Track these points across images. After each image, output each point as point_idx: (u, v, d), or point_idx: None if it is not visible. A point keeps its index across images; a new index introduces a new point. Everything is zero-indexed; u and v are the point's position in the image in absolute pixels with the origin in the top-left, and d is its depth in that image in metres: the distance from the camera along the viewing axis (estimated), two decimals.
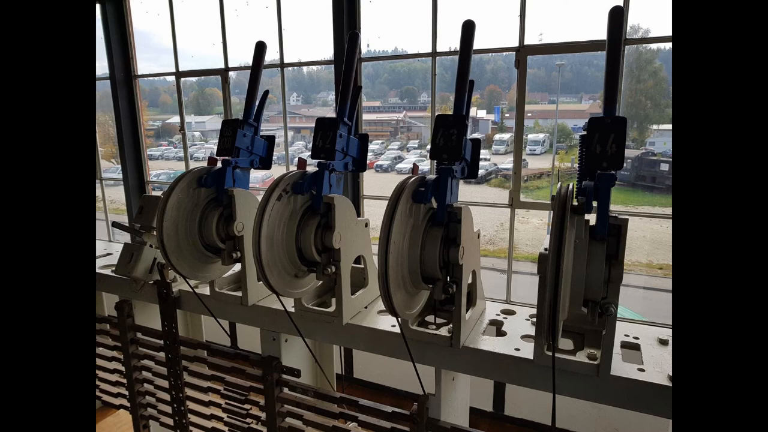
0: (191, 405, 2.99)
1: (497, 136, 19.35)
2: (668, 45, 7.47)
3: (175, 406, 3.01)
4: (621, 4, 3.49)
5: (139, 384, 3.19)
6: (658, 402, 1.78)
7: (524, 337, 2.15)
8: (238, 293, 2.56)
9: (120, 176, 6.21)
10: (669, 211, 6.53)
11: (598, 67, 17.84)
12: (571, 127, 18.35)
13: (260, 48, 2.57)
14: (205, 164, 2.54)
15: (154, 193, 5.95)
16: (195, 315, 3.45)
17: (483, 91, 20.99)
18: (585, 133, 1.65)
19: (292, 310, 2.40)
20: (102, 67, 5.91)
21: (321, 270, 2.16)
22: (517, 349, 2.02)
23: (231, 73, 5.32)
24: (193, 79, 11.11)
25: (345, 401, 2.40)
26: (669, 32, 3.51)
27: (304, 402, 2.51)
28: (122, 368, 3.22)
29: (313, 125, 2.19)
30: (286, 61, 5.02)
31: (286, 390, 2.57)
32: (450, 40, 5.00)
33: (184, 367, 2.91)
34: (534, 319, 2.31)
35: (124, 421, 4.44)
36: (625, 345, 2.08)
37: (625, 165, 2.02)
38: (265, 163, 2.67)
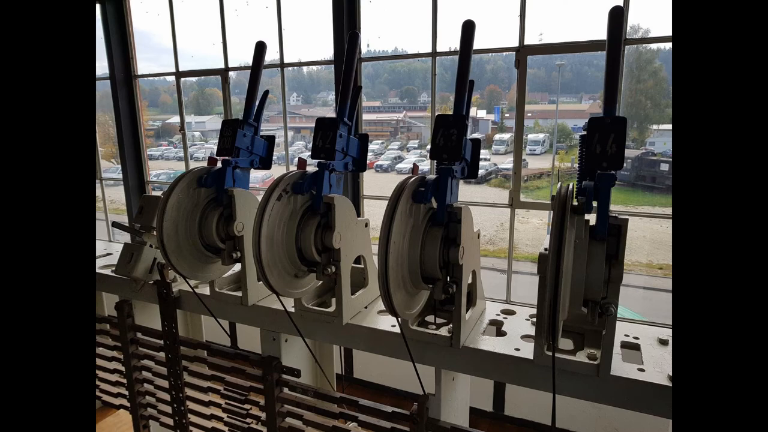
0: (191, 405, 2.99)
1: (497, 136, 19.35)
2: (668, 45, 7.47)
3: (175, 406, 3.01)
4: (621, 4, 3.49)
5: (139, 384, 3.19)
6: (658, 402, 1.78)
7: (524, 337, 2.15)
8: (238, 293, 2.56)
9: (120, 176, 6.21)
10: (669, 211, 6.53)
11: (598, 67, 17.84)
12: (571, 127, 18.34)
13: (260, 48, 2.57)
14: (205, 164, 2.55)
15: (154, 193, 5.95)
16: (195, 315, 3.45)
17: (483, 91, 20.98)
18: (585, 133, 1.65)
19: (292, 310, 2.40)
20: (102, 67, 5.91)
21: (321, 270, 2.16)
22: (517, 349, 2.02)
23: (231, 73, 5.32)
24: (193, 79, 11.11)
25: (345, 401, 2.40)
26: (669, 32, 3.51)
27: (304, 402, 2.51)
28: (122, 368, 3.22)
29: (313, 125, 2.19)
30: (286, 61, 5.02)
31: (286, 390, 2.57)
32: (450, 40, 5.01)
33: (184, 367, 2.91)
34: (534, 319, 2.31)
35: (124, 421, 4.44)
36: (625, 345, 2.08)
37: (625, 165, 2.02)
38: (265, 163, 2.67)
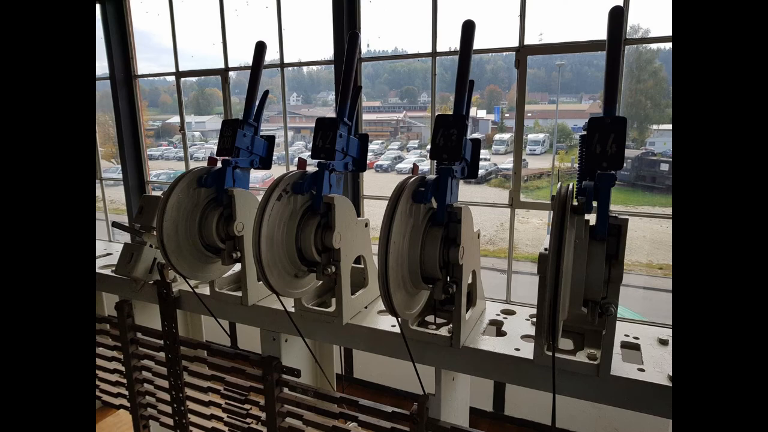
0: (191, 405, 2.99)
1: (497, 136, 19.35)
2: (668, 45, 7.47)
3: (175, 406, 3.01)
4: (621, 4, 3.49)
5: (139, 384, 3.19)
6: (658, 402, 1.78)
7: (524, 337, 2.15)
8: (238, 293, 2.56)
9: (120, 176, 6.21)
10: (669, 211, 6.53)
11: (598, 67, 17.84)
12: (571, 127, 18.35)
13: (260, 48, 2.57)
14: (205, 164, 2.55)
15: (154, 193, 5.95)
16: (195, 315, 3.45)
17: (483, 91, 20.99)
18: (585, 133, 1.65)
19: (292, 310, 2.40)
20: (102, 67, 5.91)
21: (321, 270, 2.16)
22: (517, 349, 2.02)
23: (231, 73, 5.32)
24: (193, 79, 11.11)
25: (345, 401, 2.40)
26: (669, 32, 3.51)
27: (304, 402, 2.51)
28: (122, 368, 3.22)
29: (313, 125, 2.19)
30: (286, 61, 5.02)
31: (286, 390, 2.57)
32: (450, 40, 5.00)
33: (184, 367, 2.91)
34: (534, 319, 2.31)
35: (124, 421, 4.44)
36: (625, 345, 2.08)
37: (625, 165, 2.02)
38: (265, 163, 2.67)
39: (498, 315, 2.38)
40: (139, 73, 5.95)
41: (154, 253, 2.75)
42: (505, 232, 4.45)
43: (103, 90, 6.00)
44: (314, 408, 2.48)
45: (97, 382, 3.46)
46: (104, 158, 8.71)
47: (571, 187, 1.61)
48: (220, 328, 2.77)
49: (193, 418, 3.01)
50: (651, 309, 9.75)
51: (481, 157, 2.14)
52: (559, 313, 1.47)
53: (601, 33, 2.80)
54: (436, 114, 2.36)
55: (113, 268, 2.88)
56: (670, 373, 1.82)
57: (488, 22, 3.47)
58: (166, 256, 2.36)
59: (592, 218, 1.68)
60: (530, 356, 1.94)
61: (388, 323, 2.29)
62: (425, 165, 9.50)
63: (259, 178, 9.12)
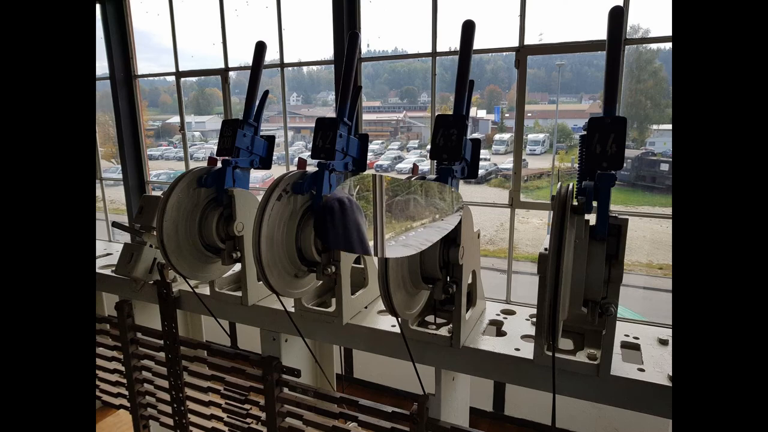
0: (191, 405, 2.99)
1: (497, 136, 19.34)
2: (668, 45, 7.47)
3: (175, 406, 3.01)
4: (621, 4, 3.49)
5: (139, 384, 3.19)
6: (658, 402, 1.78)
7: (524, 337, 2.15)
8: (238, 293, 2.56)
9: (120, 176, 6.21)
10: (669, 211, 6.52)
11: (598, 67, 17.82)
12: (571, 127, 18.32)
13: (260, 48, 2.57)
14: (205, 164, 2.55)
15: (154, 193, 5.95)
16: (195, 315, 3.45)
17: (483, 91, 20.96)
18: (585, 133, 1.65)
19: (292, 310, 2.40)
20: (102, 67, 5.91)
21: (321, 270, 2.16)
22: (517, 349, 2.02)
23: (231, 73, 5.32)
24: (193, 79, 11.10)
25: (345, 401, 2.40)
26: (669, 32, 3.51)
27: (304, 402, 2.51)
28: (122, 368, 3.22)
29: (313, 125, 2.19)
30: (286, 61, 5.02)
31: (286, 390, 2.57)
32: (450, 40, 5.01)
33: (184, 367, 2.91)
34: (534, 319, 2.31)
35: (124, 421, 4.44)
36: (625, 345, 2.08)
37: (625, 165, 2.02)
38: (265, 163, 2.67)
39: (498, 315, 2.38)
40: (139, 73, 5.95)
41: (154, 253, 2.75)
42: (505, 232, 4.45)
43: (103, 90, 6.00)
44: (314, 408, 2.48)
45: (97, 382, 3.46)
46: (104, 158, 8.70)
47: (571, 187, 1.61)
48: (220, 328, 2.77)
49: (193, 418, 3.01)
50: (651, 309, 9.74)
51: (481, 157, 2.14)
52: (559, 313, 1.47)
53: (601, 33, 2.79)
54: (436, 114, 2.36)
55: (113, 268, 2.88)
56: (670, 373, 1.82)
57: (488, 22, 3.47)
58: (166, 256, 2.36)
59: (592, 218, 1.68)
60: (530, 356, 1.94)
61: (388, 323, 2.29)
62: (425, 165, 9.50)
63: (259, 178, 9.10)
